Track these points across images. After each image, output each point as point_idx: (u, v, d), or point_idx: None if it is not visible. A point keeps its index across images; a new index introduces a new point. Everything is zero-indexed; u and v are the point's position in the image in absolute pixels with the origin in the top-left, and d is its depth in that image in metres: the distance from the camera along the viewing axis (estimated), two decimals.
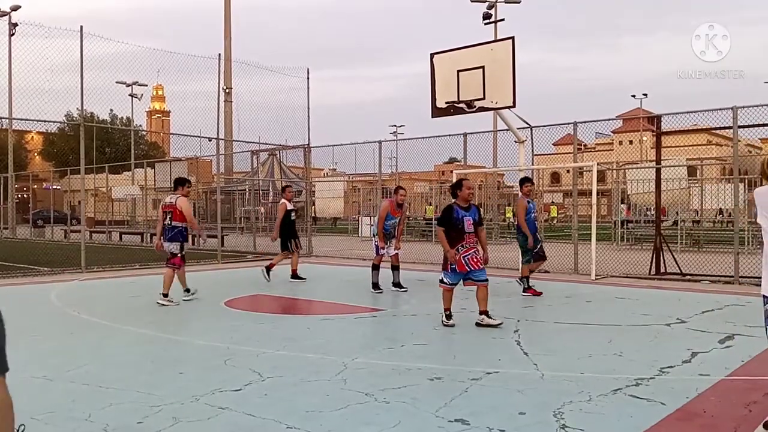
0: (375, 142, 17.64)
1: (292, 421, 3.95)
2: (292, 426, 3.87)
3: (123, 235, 26.95)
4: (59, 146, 45.44)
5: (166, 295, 8.78)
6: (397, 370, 5.22)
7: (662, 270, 12.13)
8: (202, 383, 4.83)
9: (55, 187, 38.47)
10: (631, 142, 60.25)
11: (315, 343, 6.40)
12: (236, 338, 6.62)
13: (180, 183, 9.31)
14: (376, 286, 10.17)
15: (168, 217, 9.08)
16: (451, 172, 17.54)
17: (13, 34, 28.54)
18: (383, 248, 10.19)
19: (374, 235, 10.51)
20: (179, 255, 9.06)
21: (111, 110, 50.65)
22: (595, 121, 15.26)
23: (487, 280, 7.26)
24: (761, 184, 4.23)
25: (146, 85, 46.13)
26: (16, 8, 29.09)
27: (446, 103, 12.85)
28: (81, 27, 14.52)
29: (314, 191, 27.06)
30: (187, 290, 9.23)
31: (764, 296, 4.17)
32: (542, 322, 7.63)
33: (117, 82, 45.84)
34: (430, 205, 36.17)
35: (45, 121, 29.94)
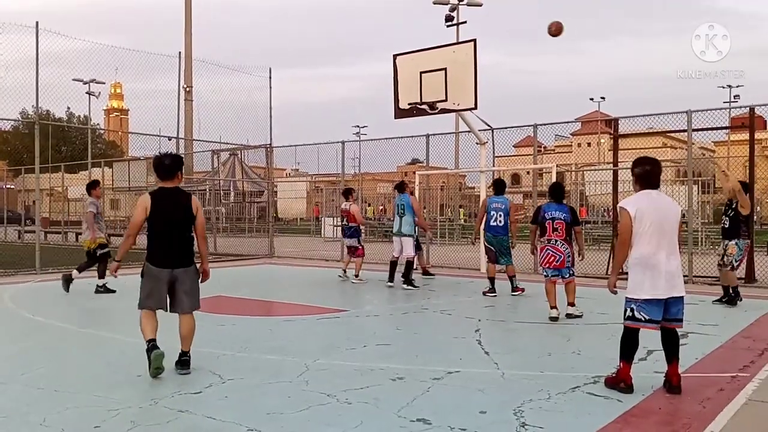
0: (338, 142, 17.58)
1: (253, 423, 3.91)
2: (253, 428, 3.84)
3: (79, 236, 26.30)
4: (13, 144, 44.10)
5: (357, 275, 11.27)
6: (360, 371, 5.22)
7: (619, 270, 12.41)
8: (161, 386, 4.75)
9: (8, 186, 37.30)
10: (589, 144, 61.44)
11: (276, 344, 6.36)
12: (196, 340, 6.51)
13: (349, 192, 11.85)
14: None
15: (345, 219, 11.73)
16: (414, 173, 17.62)
17: None
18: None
19: (412, 234, 10.69)
20: (360, 247, 11.54)
21: (68, 108, 49.37)
22: (554, 123, 15.52)
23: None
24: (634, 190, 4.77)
25: (104, 83, 45.16)
26: None
27: (409, 104, 12.90)
28: (37, 23, 14.12)
29: (276, 191, 26.88)
30: (357, 276, 11.31)
31: (627, 298, 4.67)
32: (503, 321, 7.73)
33: (74, 80, 44.69)
34: (370, 205, 36.31)
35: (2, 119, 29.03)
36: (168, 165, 5.15)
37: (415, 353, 6.01)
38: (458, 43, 14.16)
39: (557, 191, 7.95)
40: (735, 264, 8.63)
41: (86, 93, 43.96)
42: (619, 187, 13.94)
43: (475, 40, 12.34)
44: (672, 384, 4.56)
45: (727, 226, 8.67)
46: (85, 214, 10.45)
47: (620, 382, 4.57)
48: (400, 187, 11.21)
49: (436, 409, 4.18)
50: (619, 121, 13.66)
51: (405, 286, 10.40)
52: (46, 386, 4.77)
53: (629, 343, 4.60)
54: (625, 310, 4.64)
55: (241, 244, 20.43)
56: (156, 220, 5.06)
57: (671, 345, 4.61)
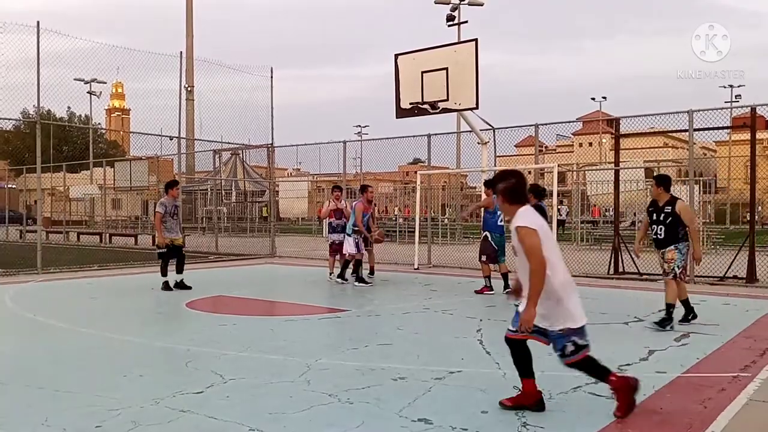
0: (339, 142, 17.59)
1: (255, 423, 3.91)
2: (255, 428, 3.84)
3: (81, 236, 26.34)
4: (15, 144, 44.10)
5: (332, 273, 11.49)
6: (361, 371, 5.22)
7: (620, 270, 12.40)
8: (163, 386, 4.75)
9: (10, 186, 37.34)
10: (590, 144, 61.41)
11: (278, 344, 6.36)
12: (197, 340, 6.53)
13: (362, 190, 11.46)
14: (343, 276, 11.14)
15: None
16: (415, 173, 17.62)
17: None
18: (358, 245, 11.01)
19: (350, 234, 10.97)
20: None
21: (69, 108, 49.45)
22: (555, 123, 15.54)
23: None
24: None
25: (105, 83, 45.19)
26: None
27: (410, 104, 12.91)
28: (38, 22, 14.13)
29: (278, 191, 26.87)
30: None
31: (570, 330, 4.04)
32: (504, 321, 7.70)
33: (75, 79, 44.77)
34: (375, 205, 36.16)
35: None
36: None
37: (416, 353, 6.01)
38: (459, 42, 14.17)
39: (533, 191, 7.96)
40: (677, 271, 7.04)
41: (87, 93, 44.02)
42: (621, 186, 13.93)
43: (476, 40, 12.35)
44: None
45: (662, 237, 7.07)
46: (154, 214, 10.85)
47: (529, 400, 4.15)
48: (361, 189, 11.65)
49: (437, 409, 4.18)
50: (621, 121, 13.65)
51: (338, 280, 11.18)
52: (47, 386, 4.77)
53: (522, 358, 4.15)
54: (565, 347, 4.03)
55: (242, 244, 20.44)
56: None
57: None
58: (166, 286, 9.99)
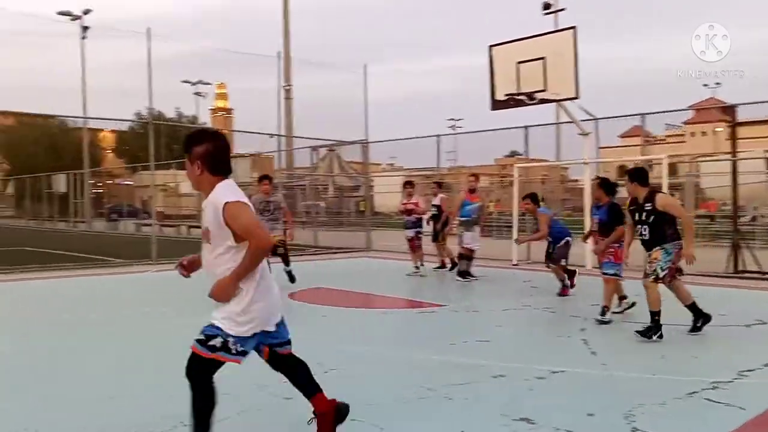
0: (433, 136, 17.47)
1: (354, 414, 3.93)
2: (354, 418, 3.85)
3: (191, 229, 27.76)
4: (130, 144, 47.16)
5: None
6: (459, 366, 5.14)
7: (741, 268, 11.57)
8: (267, 373, 4.87)
9: (127, 182, 40.04)
10: (704, 133, 57.77)
11: (375, 336, 6.39)
12: (299, 330, 6.67)
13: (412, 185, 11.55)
14: (464, 274, 10.54)
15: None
16: (512, 166, 17.23)
17: (85, 37, 29.80)
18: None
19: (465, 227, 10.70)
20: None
21: (177, 108, 52.30)
22: (663, 112, 14.69)
23: (608, 273, 7.15)
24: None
25: (210, 84, 47.46)
26: (87, 12, 30.25)
27: (506, 95, 12.61)
28: (148, 29, 15.01)
29: (373, 186, 27.11)
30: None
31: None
32: (610, 321, 7.38)
33: (182, 81, 47.39)
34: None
35: (116, 120, 31.13)
36: None
37: (516, 351, 5.85)
38: (557, 31, 13.67)
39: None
40: (660, 273, 6.15)
41: (194, 94, 46.39)
42: (740, 179, 12.98)
43: (575, 27, 11.87)
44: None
45: (647, 237, 6.25)
46: None
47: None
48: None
49: (539, 409, 4.04)
50: (738, 108, 12.71)
51: (459, 278, 10.61)
52: (165, 369, 5.02)
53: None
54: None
55: (339, 238, 20.80)
56: None
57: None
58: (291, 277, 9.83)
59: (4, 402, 4.33)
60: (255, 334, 3.18)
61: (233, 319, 3.13)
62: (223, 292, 3.16)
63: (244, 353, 3.20)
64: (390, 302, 9.10)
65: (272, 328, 3.25)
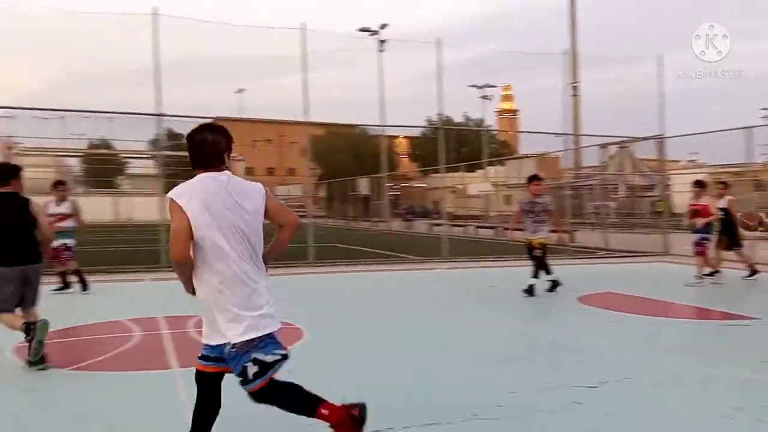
0: (742, 128, 15.36)
1: (657, 427, 3.79)
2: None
3: (478, 229, 28.78)
4: (422, 148, 50.60)
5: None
6: None
7: None
8: (559, 375, 4.93)
9: (420, 185, 43.12)
10: None
11: (670, 346, 5.98)
12: (588, 335, 6.57)
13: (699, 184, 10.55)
14: None
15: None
16: None
17: (382, 50, 32.81)
18: None
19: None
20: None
21: (465, 112, 54.52)
22: None
23: None
24: None
25: (496, 86, 48.53)
26: (384, 26, 33.18)
27: None
28: (438, 39, 16.05)
29: (670, 185, 24.97)
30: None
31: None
32: None
33: (469, 86, 49.28)
34: None
35: (409, 126, 33.68)
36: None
37: None
38: None
39: None
40: None
41: (480, 97, 47.90)
42: None
43: None
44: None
45: None
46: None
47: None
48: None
49: None
50: None
51: None
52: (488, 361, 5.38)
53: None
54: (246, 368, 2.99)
55: (631, 241, 19.62)
56: None
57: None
58: (528, 290, 8.90)
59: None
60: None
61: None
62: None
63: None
64: (691, 312, 8.38)
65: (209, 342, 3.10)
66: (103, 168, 47.80)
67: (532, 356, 5.74)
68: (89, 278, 9.87)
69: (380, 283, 11.40)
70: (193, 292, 3.06)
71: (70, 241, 9.30)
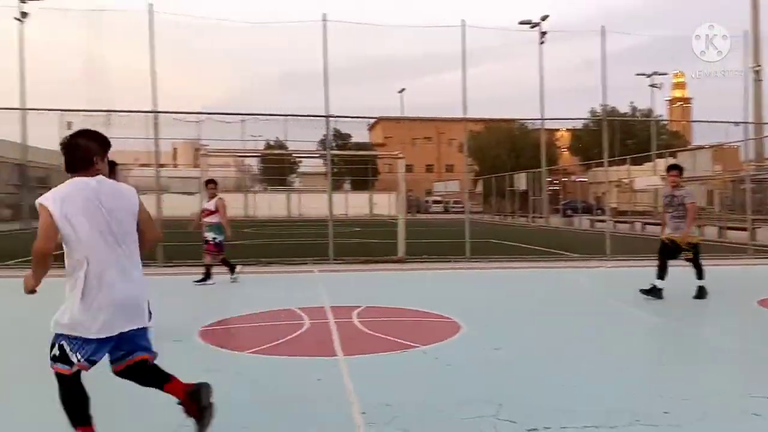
0: None
1: None
2: None
3: (645, 226, 27.13)
4: (585, 141, 48.51)
5: None
6: None
7: None
8: (733, 384, 4.62)
9: (581, 179, 41.44)
10: None
11: None
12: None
13: None
14: None
15: None
16: None
17: (543, 42, 31.90)
18: None
19: None
20: None
21: (631, 103, 51.40)
22: None
23: None
24: None
25: (666, 74, 45.20)
26: (545, 17, 32.25)
27: None
28: (602, 27, 15.32)
29: None
30: None
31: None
32: None
33: (637, 74, 46.36)
34: None
35: (571, 119, 32.51)
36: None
37: None
38: None
39: None
40: None
41: (649, 86, 44.88)
42: None
43: None
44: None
45: None
46: None
47: None
48: None
49: None
50: None
51: None
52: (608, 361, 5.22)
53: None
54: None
55: None
56: None
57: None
58: (650, 291, 8.23)
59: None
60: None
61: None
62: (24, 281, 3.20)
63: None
64: None
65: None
66: (277, 167, 51.45)
67: (704, 362, 5.40)
68: (265, 269, 10.71)
69: (537, 280, 11.22)
70: (34, 288, 3.17)
71: (214, 235, 10.04)
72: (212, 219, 10.03)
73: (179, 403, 3.35)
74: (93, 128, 3.48)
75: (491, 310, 8.04)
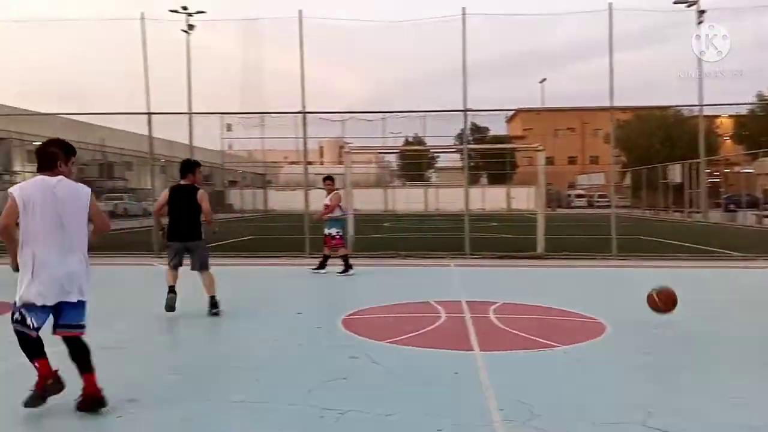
0: None
1: None
2: None
3: None
4: (750, 128, 44.13)
5: None
6: None
7: None
8: None
9: (746, 170, 37.70)
10: None
11: None
12: None
13: None
14: None
15: None
16: None
17: (701, 21, 29.32)
18: None
19: None
20: None
21: None
22: None
23: None
24: None
25: None
26: None
27: None
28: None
29: None
30: None
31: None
32: None
33: None
34: None
35: (734, 104, 29.70)
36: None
37: None
38: None
39: None
40: None
41: None
42: None
43: None
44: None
45: None
46: None
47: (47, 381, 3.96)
48: None
49: None
50: None
51: None
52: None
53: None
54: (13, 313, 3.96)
55: None
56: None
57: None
58: None
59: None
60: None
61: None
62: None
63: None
64: None
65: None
66: (415, 163, 52.01)
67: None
68: (403, 261, 10.82)
69: (694, 281, 10.32)
70: (17, 266, 3.91)
71: (334, 230, 10.45)
72: (334, 213, 10.50)
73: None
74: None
75: (640, 312, 7.53)
